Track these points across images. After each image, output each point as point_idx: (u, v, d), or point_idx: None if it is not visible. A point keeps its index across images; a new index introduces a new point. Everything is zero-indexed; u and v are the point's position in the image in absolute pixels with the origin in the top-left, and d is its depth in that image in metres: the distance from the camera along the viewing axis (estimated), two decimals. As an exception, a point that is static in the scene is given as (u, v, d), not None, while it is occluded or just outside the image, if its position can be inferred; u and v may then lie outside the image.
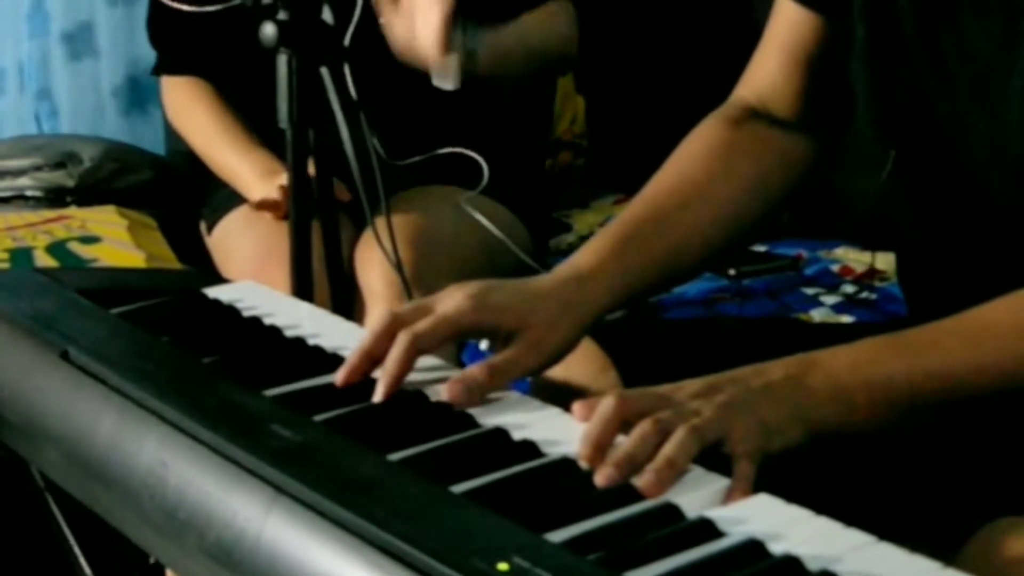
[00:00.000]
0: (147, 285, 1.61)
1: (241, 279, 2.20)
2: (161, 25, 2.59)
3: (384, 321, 1.30)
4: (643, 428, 1.12)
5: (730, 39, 2.90)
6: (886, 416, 1.22)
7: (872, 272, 2.34)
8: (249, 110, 2.50)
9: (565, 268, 1.42)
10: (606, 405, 1.15)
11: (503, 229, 2.33)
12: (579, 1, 2.88)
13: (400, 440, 1.15)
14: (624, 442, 1.12)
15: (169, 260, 2.49)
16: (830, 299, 2.25)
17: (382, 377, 1.26)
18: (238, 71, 2.41)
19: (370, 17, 1.87)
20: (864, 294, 2.25)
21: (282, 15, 1.79)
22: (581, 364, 1.47)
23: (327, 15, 1.80)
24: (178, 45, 2.56)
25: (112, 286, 1.58)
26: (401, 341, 1.28)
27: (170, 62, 2.62)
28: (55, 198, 2.78)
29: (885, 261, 2.37)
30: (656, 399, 1.17)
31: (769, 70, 1.59)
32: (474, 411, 1.22)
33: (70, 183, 2.79)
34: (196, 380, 1.28)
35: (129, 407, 1.21)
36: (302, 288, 1.83)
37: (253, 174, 2.43)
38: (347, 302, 1.97)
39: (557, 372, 1.45)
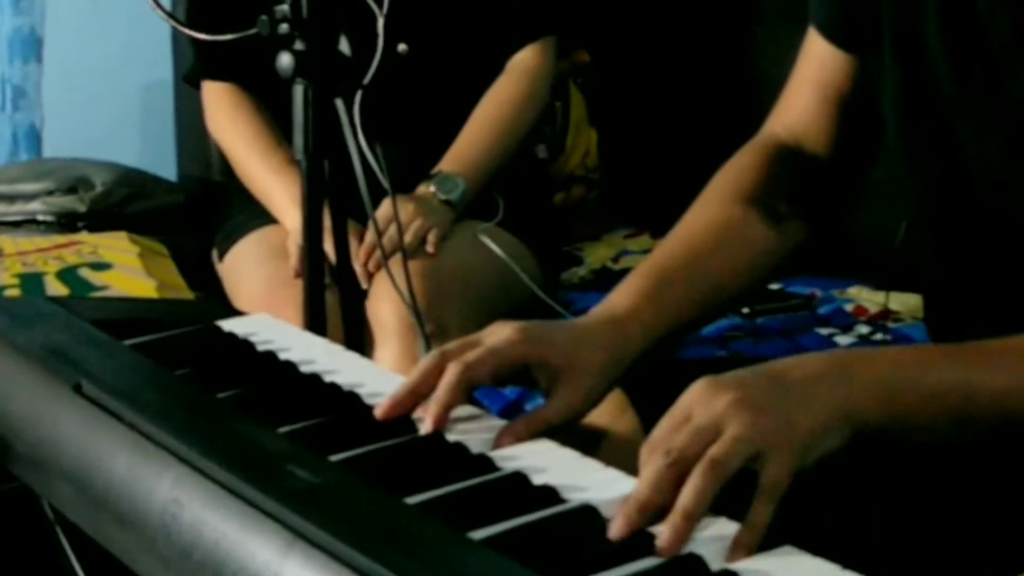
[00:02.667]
0: (160, 316, 1.59)
1: (250, 309, 2.18)
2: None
3: (432, 357, 1.30)
4: (656, 469, 1.09)
5: (740, 74, 2.89)
6: (936, 424, 1.17)
7: (886, 313, 2.32)
8: (285, 126, 2.46)
9: (601, 311, 1.41)
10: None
11: (516, 261, 2.32)
12: (594, 32, 2.89)
13: (418, 483, 1.13)
14: (636, 486, 1.09)
15: (180, 288, 2.46)
16: (844, 340, 2.23)
17: (432, 405, 1.25)
18: (272, 86, 2.39)
19: (385, 48, 1.85)
20: (879, 335, 2.23)
21: (299, 45, 1.78)
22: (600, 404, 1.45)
23: (344, 46, 1.78)
24: (220, 51, 2.52)
25: (125, 317, 1.56)
26: (452, 371, 1.27)
27: (212, 67, 2.56)
28: (66, 223, 2.75)
29: (899, 301, 2.35)
30: (674, 422, 1.13)
31: (801, 106, 1.57)
32: (493, 454, 1.20)
33: (82, 208, 2.76)
34: (211, 417, 1.27)
35: (144, 444, 1.19)
36: (315, 322, 1.81)
37: (289, 200, 2.36)
38: (359, 336, 1.95)
39: None
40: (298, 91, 1.77)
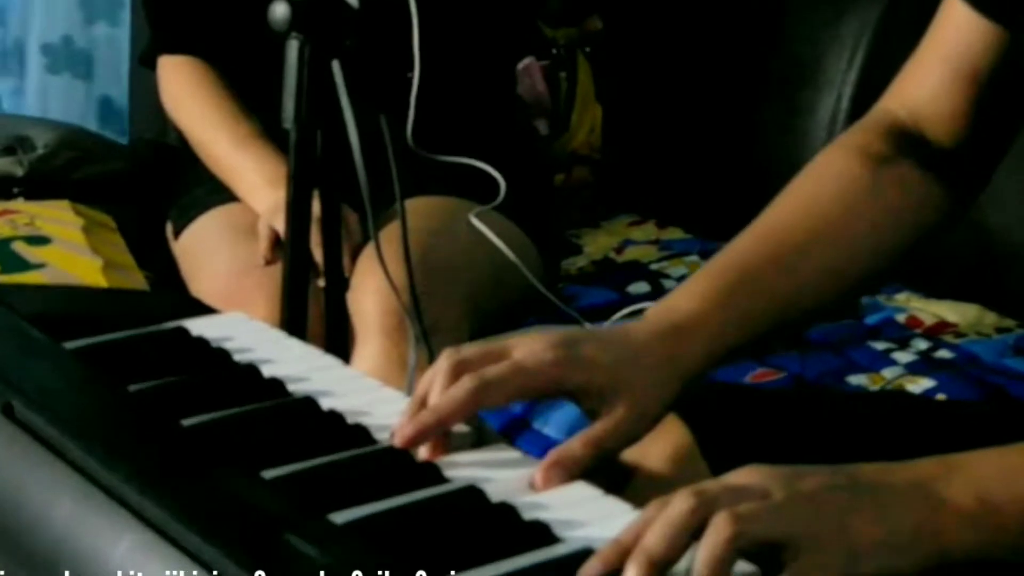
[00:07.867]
0: (112, 311, 1.34)
1: (212, 297, 1.93)
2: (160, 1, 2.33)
3: (449, 364, 1.08)
4: (671, 513, 0.89)
5: (768, 50, 2.65)
6: None
7: (943, 325, 2.07)
8: (257, 102, 2.20)
9: (659, 316, 1.18)
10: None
11: (514, 249, 2.09)
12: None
13: (454, 555, 0.88)
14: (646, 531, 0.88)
15: (129, 268, 2.21)
16: (903, 356, 1.97)
17: (424, 415, 1.04)
18: (246, 56, 2.13)
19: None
20: (942, 352, 1.97)
21: (295, -8, 1.51)
22: (661, 443, 1.22)
23: (351, -3, 1.52)
24: (179, 21, 2.26)
25: (70, 311, 1.31)
26: (466, 385, 1.05)
27: (170, 40, 2.31)
28: (1, 188, 2.48)
29: (956, 312, 2.10)
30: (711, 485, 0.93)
31: (928, 83, 1.33)
32: (551, 518, 0.94)
33: (19, 172, 2.50)
34: (180, 457, 1.01)
35: (93, 492, 0.94)
36: (295, 320, 1.54)
37: (259, 177, 2.12)
38: (343, 333, 1.68)
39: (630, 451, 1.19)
40: (292, 47, 1.51)
